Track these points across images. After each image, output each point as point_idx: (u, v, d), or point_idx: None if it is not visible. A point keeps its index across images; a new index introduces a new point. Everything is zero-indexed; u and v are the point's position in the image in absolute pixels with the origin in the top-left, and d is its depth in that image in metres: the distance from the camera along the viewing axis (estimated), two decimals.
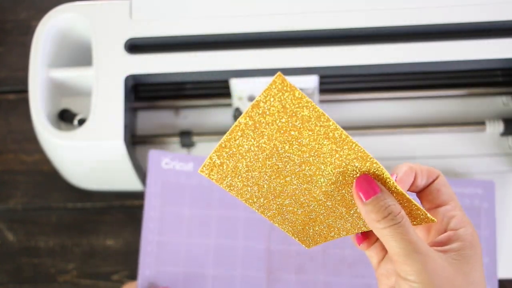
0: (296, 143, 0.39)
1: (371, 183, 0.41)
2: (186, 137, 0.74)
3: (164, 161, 0.69)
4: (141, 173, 0.73)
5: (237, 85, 0.69)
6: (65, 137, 0.66)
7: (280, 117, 0.38)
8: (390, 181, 0.40)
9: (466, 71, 0.75)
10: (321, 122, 0.39)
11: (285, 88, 0.39)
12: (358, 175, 0.41)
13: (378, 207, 0.40)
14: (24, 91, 0.78)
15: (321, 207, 0.43)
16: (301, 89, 0.70)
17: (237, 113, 0.70)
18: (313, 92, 0.70)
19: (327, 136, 0.39)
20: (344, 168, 0.41)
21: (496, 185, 0.71)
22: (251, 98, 0.70)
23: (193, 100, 0.76)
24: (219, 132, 0.75)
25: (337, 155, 0.40)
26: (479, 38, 0.66)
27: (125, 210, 0.77)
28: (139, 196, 0.76)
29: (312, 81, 0.69)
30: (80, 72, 0.70)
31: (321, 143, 0.39)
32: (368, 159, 0.40)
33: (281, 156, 0.40)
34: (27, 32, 0.86)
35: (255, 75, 0.68)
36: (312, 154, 0.40)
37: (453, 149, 0.74)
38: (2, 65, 0.85)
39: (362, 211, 0.41)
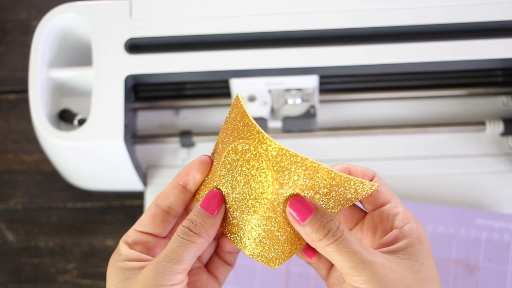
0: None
1: (304, 203, 0.41)
2: (186, 137, 0.74)
3: None
4: (141, 173, 0.73)
5: (237, 85, 0.69)
6: (65, 137, 0.66)
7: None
8: (321, 167, 0.41)
9: (466, 71, 0.75)
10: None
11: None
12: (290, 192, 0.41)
13: (317, 227, 0.40)
14: (24, 91, 0.78)
15: (273, 223, 0.43)
16: (301, 89, 0.71)
17: None
18: (313, 92, 0.70)
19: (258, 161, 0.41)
20: (274, 191, 0.41)
21: (496, 185, 0.72)
22: (251, 98, 0.70)
23: (193, 100, 0.76)
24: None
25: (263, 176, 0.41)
26: (479, 38, 0.66)
27: (125, 210, 0.77)
28: (139, 196, 0.76)
29: (312, 81, 0.69)
30: (80, 72, 0.70)
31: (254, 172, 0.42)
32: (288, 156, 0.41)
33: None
34: (27, 32, 0.86)
35: (255, 75, 0.68)
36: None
37: (453, 149, 0.74)
38: (2, 65, 0.85)
39: (302, 232, 0.41)
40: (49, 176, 0.79)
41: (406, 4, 0.67)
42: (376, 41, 0.67)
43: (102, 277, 0.74)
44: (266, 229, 0.42)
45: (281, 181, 0.41)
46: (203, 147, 0.76)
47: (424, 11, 0.67)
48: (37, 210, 0.78)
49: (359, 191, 0.42)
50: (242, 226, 0.43)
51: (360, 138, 0.75)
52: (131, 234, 0.44)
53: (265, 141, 0.41)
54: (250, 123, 0.41)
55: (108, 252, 0.75)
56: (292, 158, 0.41)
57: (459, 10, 0.67)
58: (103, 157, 0.69)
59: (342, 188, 0.42)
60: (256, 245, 0.43)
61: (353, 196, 0.42)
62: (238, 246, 0.44)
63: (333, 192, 0.42)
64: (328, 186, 0.41)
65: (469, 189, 0.72)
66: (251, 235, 0.43)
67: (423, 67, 0.67)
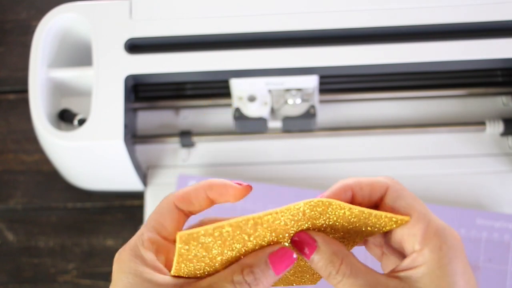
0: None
1: (305, 240, 0.37)
2: (186, 137, 0.74)
3: (191, 183, 0.72)
4: (141, 173, 0.73)
5: (237, 85, 0.69)
6: (65, 137, 0.66)
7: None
8: (332, 205, 0.36)
9: (466, 71, 0.75)
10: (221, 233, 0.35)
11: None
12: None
13: (319, 267, 0.36)
14: (24, 91, 0.78)
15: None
16: (301, 89, 0.70)
17: (237, 113, 0.70)
18: (313, 92, 0.70)
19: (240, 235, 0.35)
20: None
21: (496, 185, 0.71)
22: (251, 98, 0.70)
23: (193, 100, 0.76)
24: (219, 132, 0.75)
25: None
26: (479, 38, 0.66)
27: (125, 210, 0.77)
28: (139, 196, 0.76)
29: (312, 81, 0.69)
30: (80, 72, 0.70)
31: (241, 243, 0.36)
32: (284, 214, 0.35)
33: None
34: (27, 32, 0.86)
35: (255, 75, 0.68)
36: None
37: (453, 149, 0.74)
38: (2, 65, 0.85)
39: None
40: (49, 176, 0.79)
41: (406, 4, 0.67)
42: (376, 41, 0.67)
43: (102, 277, 0.74)
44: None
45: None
46: (203, 147, 0.76)
47: (424, 11, 0.67)
48: (37, 210, 0.78)
49: (383, 223, 0.37)
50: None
51: (360, 138, 0.75)
52: (152, 237, 0.39)
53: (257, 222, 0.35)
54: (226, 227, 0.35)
55: (108, 252, 0.75)
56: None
57: (459, 10, 0.67)
58: (103, 157, 0.68)
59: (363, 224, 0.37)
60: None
61: (376, 229, 0.38)
62: None
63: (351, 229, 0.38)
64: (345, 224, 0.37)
65: (469, 189, 0.72)
66: None
67: (423, 67, 0.67)
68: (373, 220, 0.37)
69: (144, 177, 0.74)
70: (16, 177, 0.79)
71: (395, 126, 0.74)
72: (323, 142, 0.75)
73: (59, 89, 0.72)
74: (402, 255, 0.38)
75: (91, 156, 0.68)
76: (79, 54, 0.73)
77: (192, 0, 0.69)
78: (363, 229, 0.38)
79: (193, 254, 0.35)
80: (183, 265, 0.35)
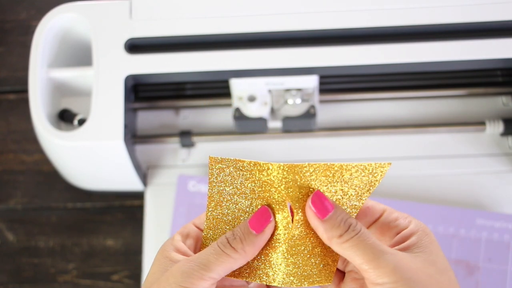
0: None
1: (325, 200, 0.41)
2: (186, 137, 0.74)
3: (191, 183, 0.72)
4: (141, 173, 0.73)
5: (237, 85, 0.69)
6: (65, 137, 0.66)
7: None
8: (332, 166, 0.41)
9: (466, 71, 0.75)
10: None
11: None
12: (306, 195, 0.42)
13: (338, 222, 0.40)
14: (24, 91, 0.78)
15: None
16: (301, 89, 0.70)
17: (237, 113, 0.70)
18: (313, 92, 0.70)
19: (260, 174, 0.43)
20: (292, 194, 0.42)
21: (496, 185, 0.71)
22: (251, 98, 0.70)
23: (193, 100, 0.76)
24: (219, 132, 0.75)
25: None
26: (479, 38, 0.66)
27: (125, 210, 0.77)
28: (139, 196, 0.76)
29: (312, 81, 0.69)
30: (80, 72, 0.70)
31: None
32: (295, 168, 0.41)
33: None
34: (27, 32, 0.86)
35: (255, 75, 0.68)
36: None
37: (453, 149, 0.74)
38: (2, 65, 0.85)
39: (320, 229, 0.41)
40: (49, 176, 0.79)
41: (406, 4, 0.67)
42: (376, 41, 0.67)
43: (102, 277, 0.74)
44: (294, 253, 0.42)
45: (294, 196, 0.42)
46: (203, 147, 0.76)
47: (424, 11, 0.67)
48: (37, 210, 0.78)
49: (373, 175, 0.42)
50: (270, 263, 0.43)
51: (360, 138, 0.75)
52: (188, 226, 0.44)
53: (263, 167, 0.42)
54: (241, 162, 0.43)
55: (108, 252, 0.75)
56: (296, 169, 0.41)
57: (459, 10, 0.67)
58: (103, 157, 0.69)
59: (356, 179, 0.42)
60: (290, 273, 0.43)
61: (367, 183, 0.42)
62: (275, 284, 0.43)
63: (346, 188, 0.42)
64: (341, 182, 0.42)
65: (469, 189, 0.72)
66: (281, 267, 0.43)
67: (423, 67, 0.67)
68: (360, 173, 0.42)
69: (144, 177, 0.74)
70: (16, 177, 0.79)
71: (395, 126, 0.74)
72: (323, 142, 0.75)
73: (59, 89, 0.72)
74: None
75: (91, 156, 0.68)
76: (79, 54, 0.73)
77: (192, 0, 0.69)
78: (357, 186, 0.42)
79: (220, 178, 0.43)
80: (215, 191, 0.43)
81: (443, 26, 0.67)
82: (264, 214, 0.42)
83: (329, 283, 0.43)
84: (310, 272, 0.42)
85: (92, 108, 0.66)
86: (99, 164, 0.70)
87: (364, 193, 0.42)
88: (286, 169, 0.41)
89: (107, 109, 0.66)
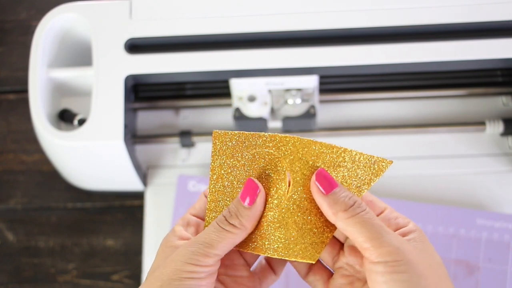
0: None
1: (329, 177, 0.42)
2: (186, 137, 0.74)
3: (191, 183, 0.72)
4: (141, 173, 0.73)
5: (237, 85, 0.69)
6: (65, 137, 0.66)
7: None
8: (338, 150, 0.43)
9: (466, 71, 0.75)
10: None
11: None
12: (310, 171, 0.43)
13: (343, 197, 0.41)
14: (24, 91, 0.78)
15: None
16: (301, 89, 0.71)
17: (237, 113, 0.70)
18: (313, 92, 0.70)
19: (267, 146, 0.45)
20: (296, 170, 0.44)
21: (496, 185, 0.71)
22: (251, 98, 0.70)
23: (193, 100, 0.76)
24: None
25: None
26: (479, 38, 0.66)
27: (125, 210, 0.77)
28: (139, 196, 0.76)
29: (312, 81, 0.69)
30: (80, 72, 0.70)
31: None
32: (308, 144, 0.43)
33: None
34: (27, 32, 0.86)
35: (255, 75, 0.68)
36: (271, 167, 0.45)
37: (453, 149, 0.74)
38: (2, 65, 0.85)
39: (324, 203, 0.41)
40: (49, 176, 0.79)
41: (406, 4, 0.67)
42: (376, 41, 0.67)
43: (102, 277, 0.74)
44: (290, 222, 0.43)
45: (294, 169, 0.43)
46: (203, 147, 0.76)
47: (424, 11, 0.67)
48: (37, 210, 0.78)
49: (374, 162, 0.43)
50: (266, 231, 0.44)
51: (360, 138, 0.75)
52: (186, 217, 0.46)
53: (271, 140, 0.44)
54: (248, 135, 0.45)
55: (108, 252, 0.75)
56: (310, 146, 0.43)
57: (459, 10, 0.67)
58: (103, 157, 0.69)
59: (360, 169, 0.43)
60: (283, 244, 0.44)
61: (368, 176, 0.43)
62: (269, 254, 0.44)
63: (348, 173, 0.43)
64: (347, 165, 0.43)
65: (469, 189, 0.72)
66: (276, 235, 0.44)
67: (423, 67, 0.67)
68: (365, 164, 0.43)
69: (144, 177, 0.74)
70: (16, 177, 0.79)
71: (395, 126, 0.74)
72: None
73: (59, 89, 0.72)
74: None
75: (91, 156, 0.68)
76: (79, 54, 0.73)
77: (192, 0, 0.69)
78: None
79: (223, 151, 0.45)
80: (217, 164, 0.45)
81: (443, 26, 0.67)
82: (251, 186, 0.43)
83: (313, 262, 0.43)
84: (300, 246, 0.43)
85: (92, 108, 0.66)
86: (99, 164, 0.70)
87: (363, 185, 0.43)
88: (292, 141, 0.43)
89: (107, 109, 0.66)
